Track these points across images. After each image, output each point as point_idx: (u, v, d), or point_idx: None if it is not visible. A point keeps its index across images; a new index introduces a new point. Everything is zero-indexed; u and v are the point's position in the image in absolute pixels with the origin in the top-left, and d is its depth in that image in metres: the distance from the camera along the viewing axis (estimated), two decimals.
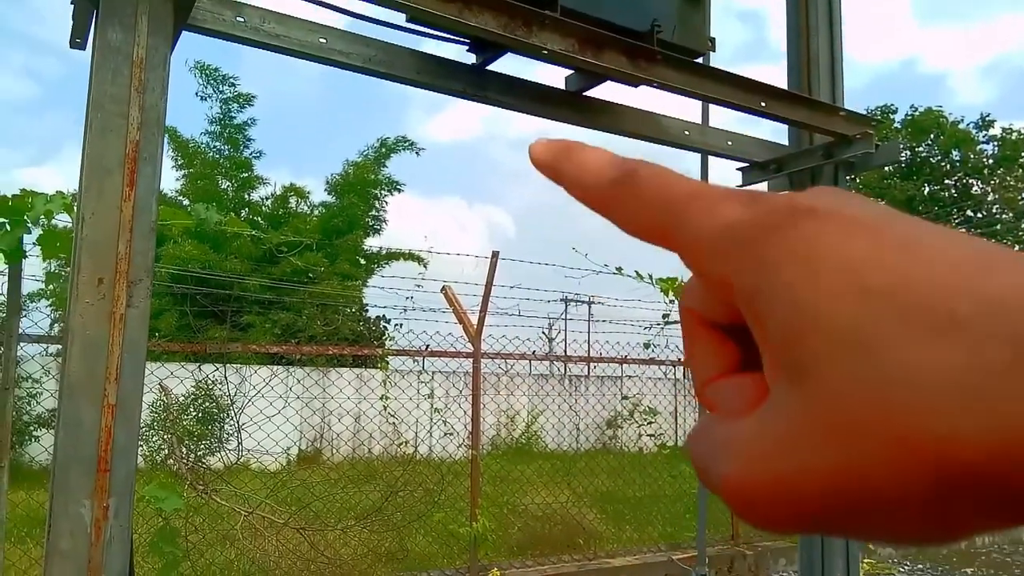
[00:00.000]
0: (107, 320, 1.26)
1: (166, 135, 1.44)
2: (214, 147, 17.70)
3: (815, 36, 2.59)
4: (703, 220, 0.26)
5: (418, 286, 12.44)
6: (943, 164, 25.65)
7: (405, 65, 1.87)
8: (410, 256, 17.10)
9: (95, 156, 1.28)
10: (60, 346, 5.63)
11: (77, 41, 1.69)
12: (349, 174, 18.19)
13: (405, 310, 12.84)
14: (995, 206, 25.18)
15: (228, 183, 17.76)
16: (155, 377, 6.88)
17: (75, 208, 1.44)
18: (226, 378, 7.80)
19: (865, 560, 7.19)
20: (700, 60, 2.08)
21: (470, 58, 1.98)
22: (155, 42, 1.34)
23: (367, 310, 16.53)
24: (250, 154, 18.00)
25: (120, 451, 1.26)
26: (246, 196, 18.06)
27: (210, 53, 17.61)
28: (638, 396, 11.23)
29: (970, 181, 25.53)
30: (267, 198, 18.38)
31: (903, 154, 19.74)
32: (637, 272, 6.02)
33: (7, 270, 2.96)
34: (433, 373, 13.45)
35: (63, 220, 2.96)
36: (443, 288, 6.87)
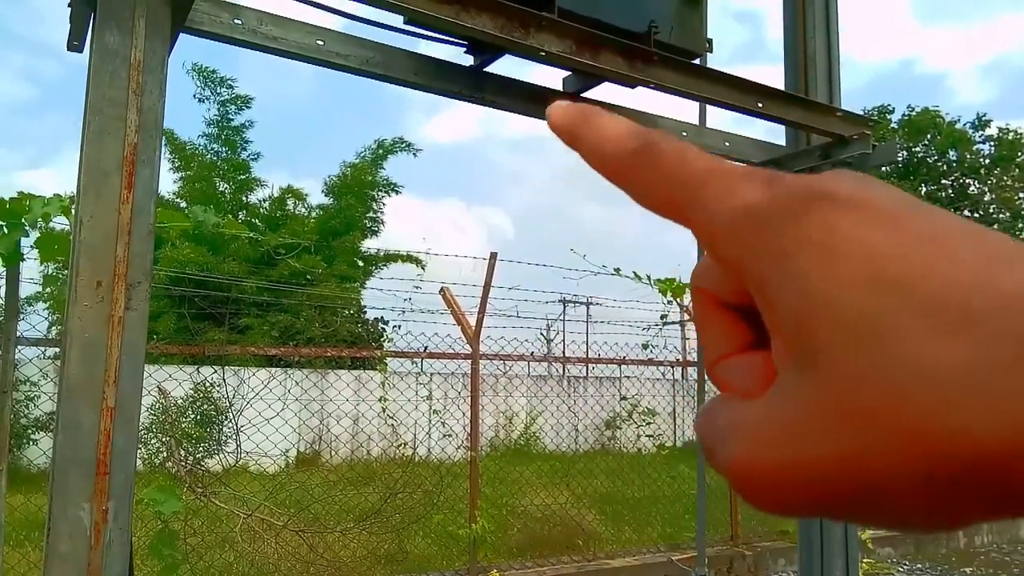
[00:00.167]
0: (105, 323, 1.26)
1: (164, 137, 1.44)
2: (212, 149, 17.68)
3: (812, 37, 2.59)
4: (719, 200, 0.25)
5: (416, 288, 12.44)
6: (940, 164, 25.70)
7: (402, 67, 1.87)
8: (408, 258, 17.10)
9: (93, 159, 1.28)
10: (58, 349, 5.63)
11: (75, 44, 1.70)
12: (347, 176, 18.18)
13: (403, 312, 12.82)
14: (992, 206, 25.22)
15: (226, 185, 17.74)
16: (154, 380, 6.88)
17: (73, 211, 1.44)
18: (224, 380, 7.79)
19: (864, 560, 7.20)
20: (697, 61, 2.08)
21: (468, 60, 1.98)
22: (152, 45, 1.34)
23: (365, 312, 16.52)
24: (248, 156, 17.99)
25: (119, 454, 1.26)
26: (244, 198, 18.04)
27: (208, 55, 17.62)
28: (636, 397, 11.23)
29: (967, 181, 25.57)
30: (265, 200, 18.36)
31: (900, 154, 19.78)
32: (635, 273, 6.04)
33: (5, 273, 2.95)
34: (432, 375, 13.44)
35: (61, 223, 2.96)
36: (441, 290, 6.87)
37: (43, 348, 8.12)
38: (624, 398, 12.65)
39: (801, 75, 2.59)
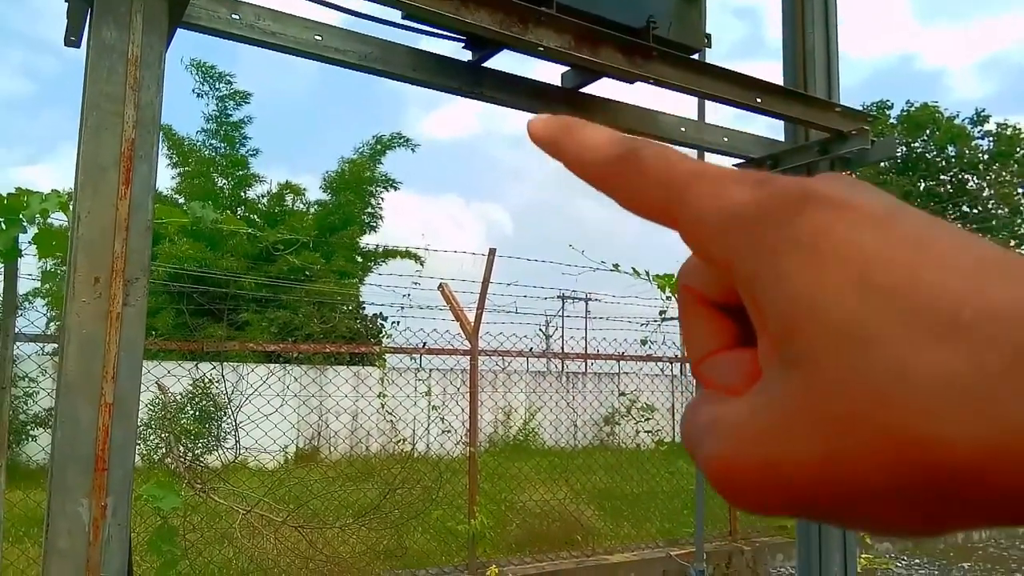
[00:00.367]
0: (104, 319, 1.26)
1: (161, 133, 1.44)
2: (210, 145, 17.67)
3: (811, 32, 2.59)
4: (707, 201, 0.25)
5: (415, 284, 12.42)
6: (939, 160, 25.72)
7: (401, 62, 1.87)
8: (407, 254, 17.08)
9: (90, 154, 1.28)
10: (57, 345, 5.62)
11: (72, 39, 1.69)
12: (345, 171, 18.16)
13: (402, 308, 12.82)
14: (990, 201, 25.26)
15: (224, 181, 17.73)
16: (152, 376, 6.88)
17: (71, 207, 1.44)
18: (223, 376, 7.80)
19: (863, 555, 7.22)
20: (696, 56, 2.08)
21: (466, 55, 1.98)
22: (150, 40, 1.34)
23: (364, 308, 16.53)
24: (246, 152, 17.99)
25: (118, 450, 1.26)
26: (242, 194, 18.03)
27: (206, 51, 17.59)
28: (635, 392, 11.25)
29: (965, 176, 25.60)
30: (263, 196, 18.36)
31: (899, 150, 19.78)
32: (634, 269, 6.03)
33: (3, 269, 2.95)
34: (430, 370, 13.45)
35: (59, 219, 2.95)
36: (440, 285, 6.87)
37: (41, 344, 8.12)
38: (623, 394, 12.67)
39: (800, 71, 2.58)
